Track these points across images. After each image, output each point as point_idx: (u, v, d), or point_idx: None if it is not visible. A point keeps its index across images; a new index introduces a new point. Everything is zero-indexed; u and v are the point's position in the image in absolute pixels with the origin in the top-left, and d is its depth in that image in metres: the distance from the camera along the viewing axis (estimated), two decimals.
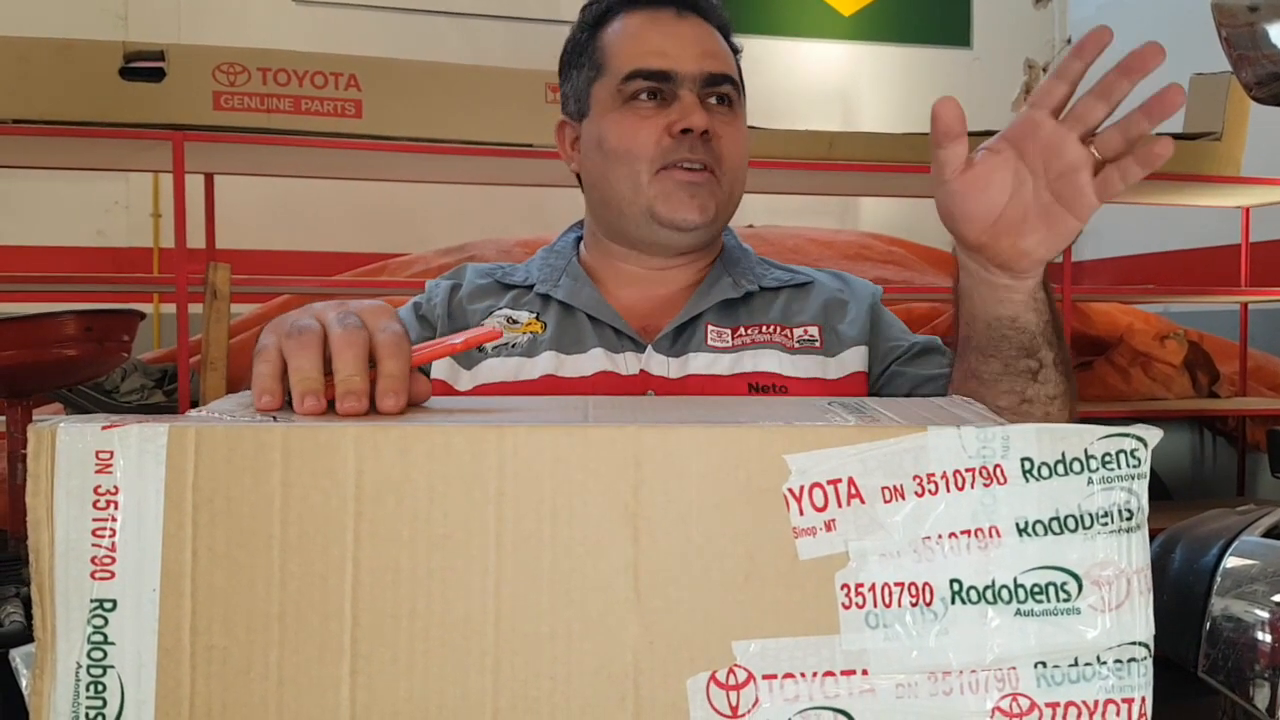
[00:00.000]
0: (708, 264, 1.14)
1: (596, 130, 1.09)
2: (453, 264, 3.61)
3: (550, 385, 1.04)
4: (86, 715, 0.49)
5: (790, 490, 0.51)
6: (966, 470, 0.51)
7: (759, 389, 1.05)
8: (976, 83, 5.26)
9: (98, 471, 0.50)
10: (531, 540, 0.51)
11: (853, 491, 0.51)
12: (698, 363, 1.06)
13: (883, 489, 0.51)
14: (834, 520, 0.51)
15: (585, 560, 0.51)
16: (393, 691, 0.50)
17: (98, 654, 0.49)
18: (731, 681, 0.51)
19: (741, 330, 1.09)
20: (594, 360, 1.06)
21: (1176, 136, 3.12)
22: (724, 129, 1.06)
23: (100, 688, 0.49)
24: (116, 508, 0.49)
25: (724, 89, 1.07)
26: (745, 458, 0.52)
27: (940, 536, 0.51)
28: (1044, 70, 5.22)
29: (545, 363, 1.06)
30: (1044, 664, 0.51)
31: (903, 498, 0.51)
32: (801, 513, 0.51)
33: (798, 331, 1.10)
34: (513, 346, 1.07)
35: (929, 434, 0.51)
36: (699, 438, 0.52)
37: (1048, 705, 0.51)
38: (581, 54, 1.12)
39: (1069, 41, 5.40)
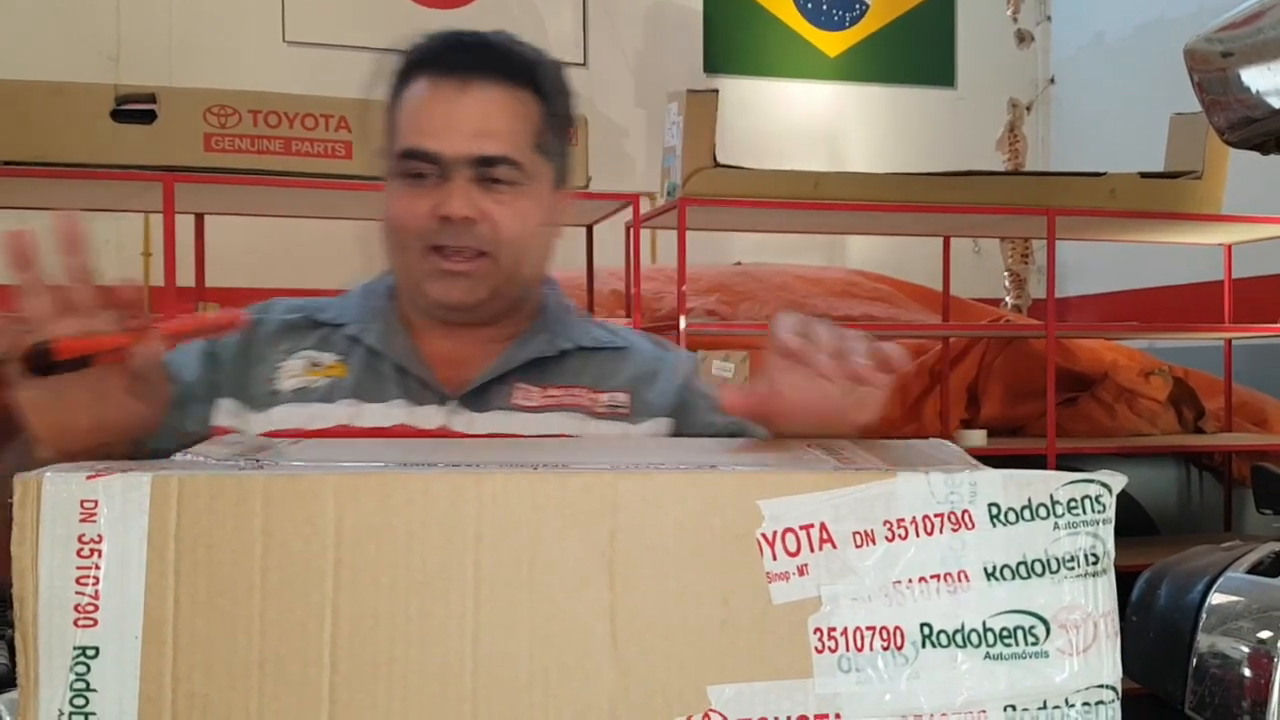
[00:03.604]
0: (524, 318, 1.11)
1: (386, 198, 1.05)
2: None
3: (344, 435, 1.00)
4: None
5: (764, 535, 0.52)
6: (935, 515, 0.52)
7: None
8: (961, 122, 5.32)
9: (82, 520, 0.50)
10: (509, 586, 0.52)
11: (825, 536, 0.52)
12: (500, 422, 1.04)
13: (854, 534, 0.52)
14: (807, 565, 0.52)
15: (563, 606, 0.52)
16: None
17: (80, 701, 0.50)
18: None
19: (550, 391, 1.07)
20: (394, 412, 1.03)
21: (1158, 176, 3.16)
22: (498, 210, 1.01)
23: None
24: (100, 556, 0.50)
25: (498, 171, 1.01)
26: (720, 504, 0.53)
27: (910, 581, 0.52)
28: (1027, 109, 5.28)
29: (341, 411, 1.02)
30: (1013, 707, 0.52)
31: (873, 542, 0.52)
32: (775, 558, 0.52)
33: (604, 397, 1.08)
34: (310, 391, 1.03)
35: (898, 480, 0.53)
36: (675, 484, 0.53)
37: None
38: (390, 114, 1.07)
39: (1052, 81, 5.47)
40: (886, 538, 0.52)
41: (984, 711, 0.52)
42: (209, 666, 0.50)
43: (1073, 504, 0.53)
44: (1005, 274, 5.16)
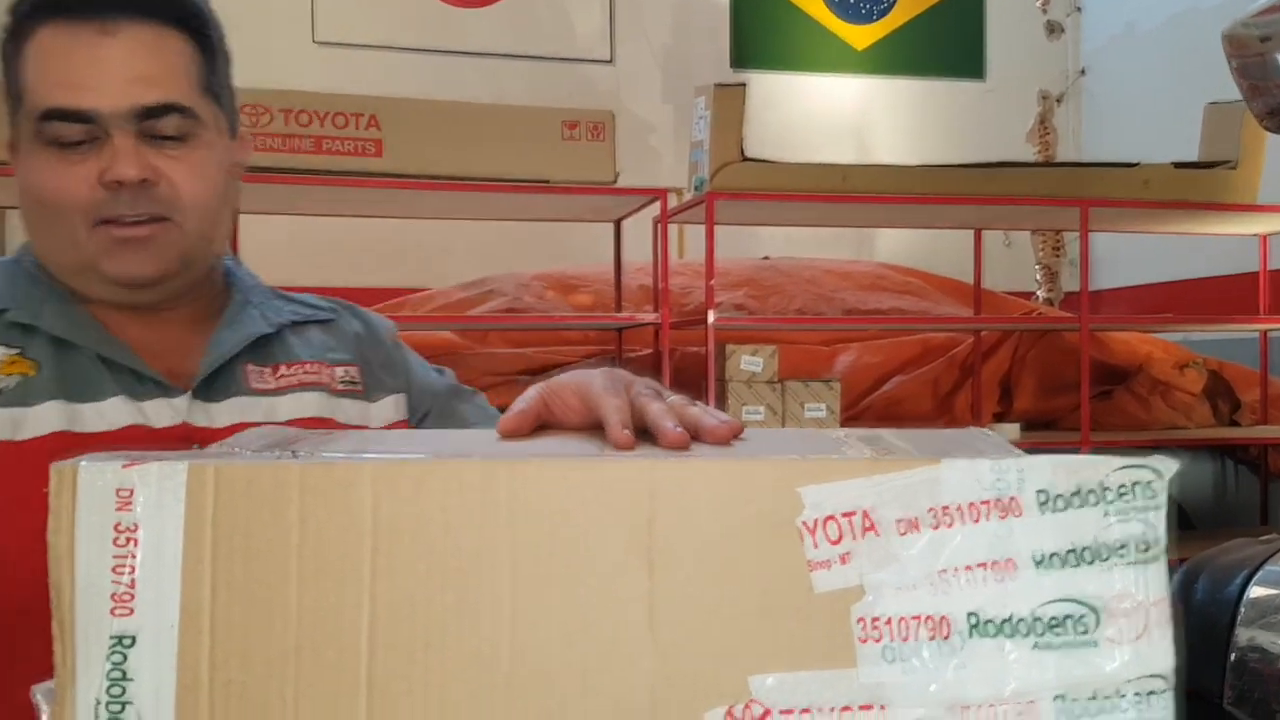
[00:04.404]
0: (219, 294, 0.98)
1: (24, 172, 0.90)
2: (473, 299, 3.64)
3: (66, 443, 0.85)
4: None
5: (805, 523, 0.51)
6: (982, 502, 0.51)
7: None
8: (990, 114, 5.27)
9: (118, 509, 0.50)
10: (546, 574, 0.52)
11: (868, 524, 0.51)
12: (243, 410, 0.93)
13: (898, 521, 0.51)
14: (849, 553, 0.51)
15: (600, 594, 0.52)
16: None
17: (116, 690, 0.50)
18: (748, 716, 0.51)
19: (281, 371, 0.96)
20: (117, 412, 0.88)
21: (1192, 166, 3.12)
22: (174, 169, 0.88)
23: None
24: (136, 544, 0.50)
25: (166, 123, 0.88)
26: (760, 491, 0.52)
27: (957, 569, 0.51)
28: (1058, 101, 5.23)
29: (51, 415, 0.87)
30: (1063, 697, 0.51)
31: (918, 530, 0.51)
32: (816, 545, 0.51)
33: (339, 371, 0.99)
34: None
35: (943, 466, 0.51)
36: (713, 471, 0.53)
37: None
38: (7, 74, 0.92)
39: (1082, 72, 5.42)
40: (932, 525, 0.51)
41: (1033, 702, 0.51)
42: (246, 654, 0.50)
43: (1123, 490, 0.51)
44: (1037, 267, 5.11)
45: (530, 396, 0.69)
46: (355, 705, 0.50)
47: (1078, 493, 0.51)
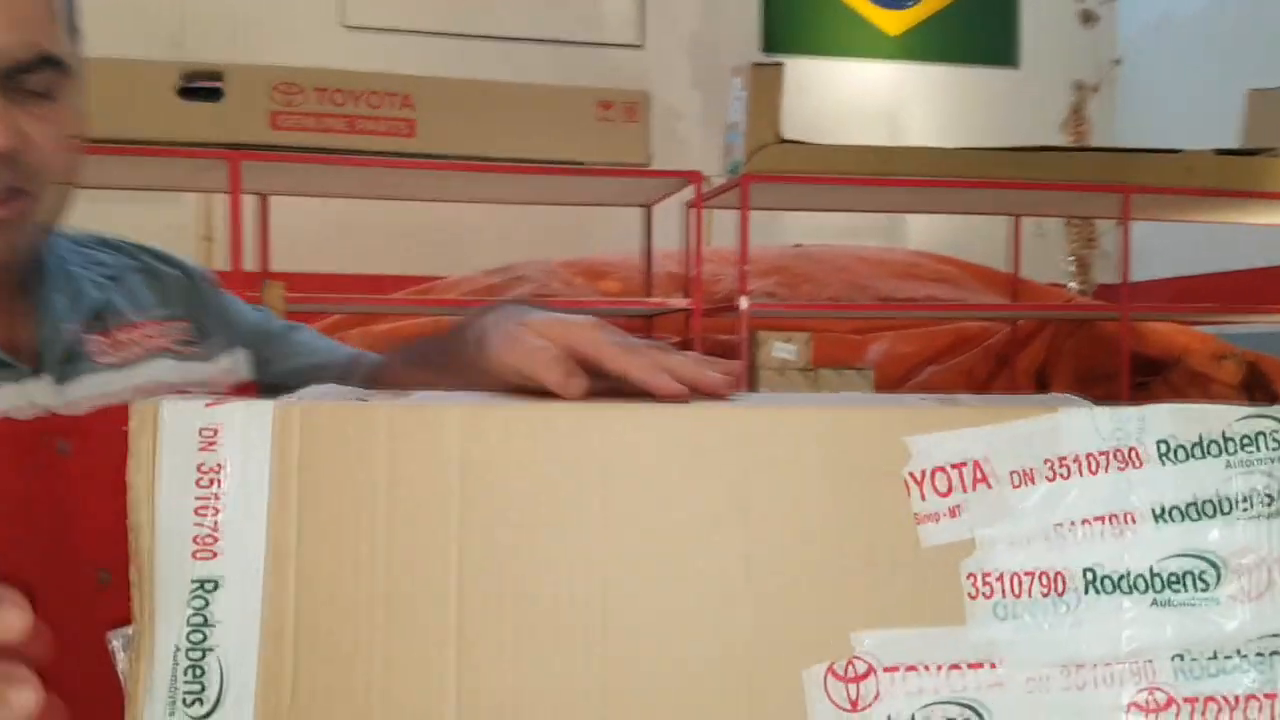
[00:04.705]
0: (23, 254, 0.80)
1: None
2: (499, 285, 3.63)
3: None
4: (184, 700, 0.48)
5: (912, 474, 0.49)
6: (1100, 453, 0.49)
7: None
8: (1024, 103, 5.22)
9: (202, 449, 0.48)
10: (637, 525, 0.50)
11: (979, 475, 0.49)
12: (101, 385, 0.81)
13: (1011, 473, 0.49)
14: (959, 506, 0.49)
15: (694, 545, 0.50)
16: (500, 677, 0.48)
17: (197, 636, 0.48)
18: (850, 673, 0.49)
19: (118, 337, 0.84)
20: None
21: (1234, 153, 3.07)
22: (41, 131, 0.74)
23: (199, 671, 0.48)
24: (220, 486, 0.48)
25: (37, 79, 0.73)
26: (863, 440, 0.50)
27: (1073, 523, 0.49)
28: (1093, 91, 5.17)
29: None
30: (1182, 656, 0.49)
31: (1033, 482, 0.49)
32: (924, 498, 0.49)
33: (172, 329, 0.87)
34: None
35: (1060, 415, 0.49)
36: (812, 419, 0.50)
37: (1186, 700, 0.49)
38: None
39: (1117, 61, 5.35)
40: (1048, 477, 0.49)
41: (1150, 661, 0.49)
42: (332, 601, 0.48)
43: (1246, 441, 0.49)
44: (1070, 258, 5.07)
45: (538, 345, 0.60)
46: (444, 654, 0.48)
47: (1199, 443, 0.49)
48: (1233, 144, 3.19)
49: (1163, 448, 0.49)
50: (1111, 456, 0.49)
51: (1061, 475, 0.49)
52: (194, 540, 0.48)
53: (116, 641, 0.49)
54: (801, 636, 0.49)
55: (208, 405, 0.49)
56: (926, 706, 0.49)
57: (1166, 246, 4.62)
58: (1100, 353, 3.52)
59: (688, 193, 2.98)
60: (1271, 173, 2.98)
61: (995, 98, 5.26)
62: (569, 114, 2.69)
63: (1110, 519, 0.49)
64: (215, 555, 0.48)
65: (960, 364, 3.64)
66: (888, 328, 3.62)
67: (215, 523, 0.48)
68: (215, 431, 0.48)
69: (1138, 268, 4.80)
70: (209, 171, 2.58)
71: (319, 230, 4.22)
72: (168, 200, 4.35)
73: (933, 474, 0.49)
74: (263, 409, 0.49)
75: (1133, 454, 0.49)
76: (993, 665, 0.49)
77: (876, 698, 0.48)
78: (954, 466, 0.49)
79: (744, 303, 2.86)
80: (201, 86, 2.44)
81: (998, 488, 0.49)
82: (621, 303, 3.21)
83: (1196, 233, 4.03)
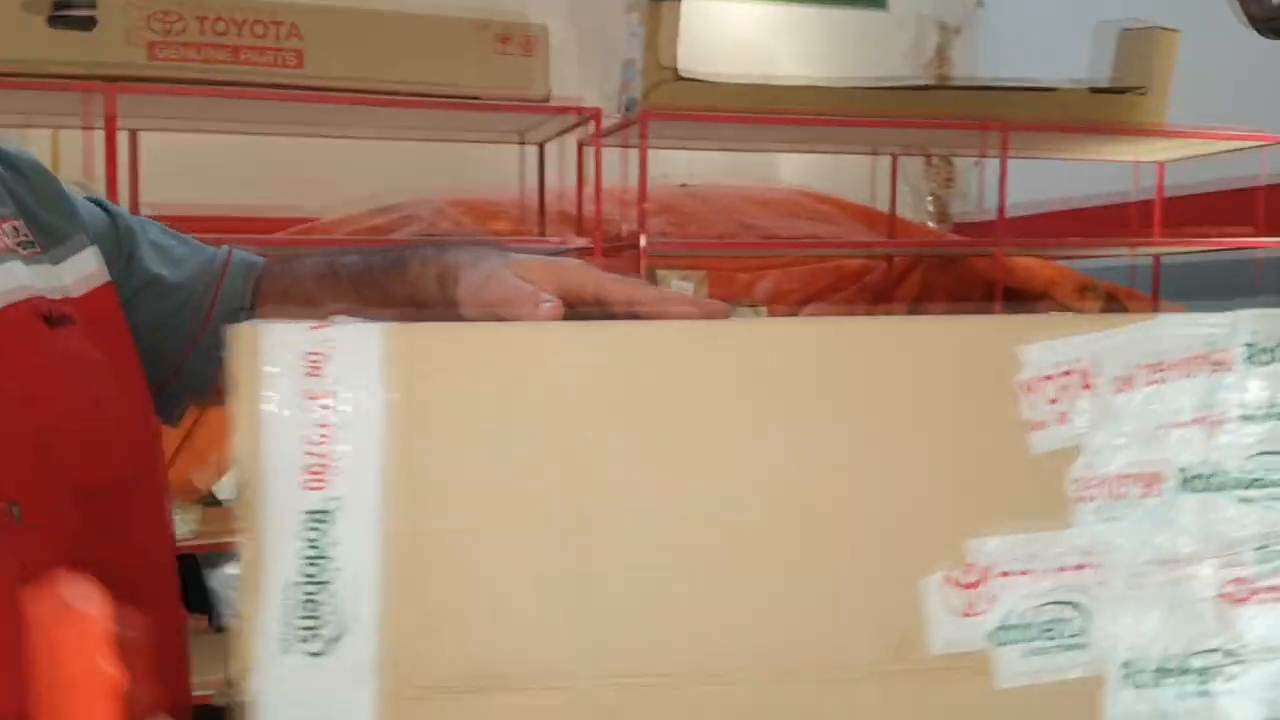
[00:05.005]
0: None
1: None
2: (385, 225, 3.52)
3: None
4: (300, 638, 0.46)
5: (1022, 383, 0.50)
6: (1194, 357, 0.51)
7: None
8: (892, 44, 5.32)
9: (308, 374, 0.45)
10: (754, 441, 0.49)
11: (1084, 382, 0.50)
12: None
13: (1114, 379, 0.51)
14: (1066, 412, 0.50)
15: (809, 457, 0.50)
16: (624, 595, 0.48)
17: (312, 569, 0.45)
18: (966, 580, 0.50)
19: None
20: None
21: (1108, 91, 3.20)
22: None
23: (315, 606, 0.46)
24: (331, 412, 0.45)
25: None
26: (975, 349, 0.51)
27: (1170, 426, 0.51)
28: (956, 32, 5.31)
29: None
30: (1264, 547, 0.52)
31: (1133, 388, 0.51)
32: (1033, 405, 0.50)
33: (5, 228, 0.73)
34: None
35: (1158, 321, 0.51)
36: (925, 329, 0.51)
37: (1270, 589, 0.52)
38: None
39: (980, 4, 5.50)
40: (1146, 382, 0.51)
41: (1236, 553, 0.51)
42: (453, 530, 0.47)
43: None
44: (929, 198, 5.22)
45: (525, 287, 0.59)
46: (566, 578, 0.47)
47: None
48: (1089, 81, 3.33)
49: (1249, 350, 0.51)
50: (1205, 360, 0.51)
51: (1159, 380, 0.51)
52: (305, 470, 0.46)
53: (217, 583, 0.47)
54: (916, 543, 0.50)
55: (312, 328, 0.46)
56: (1037, 608, 0.50)
57: (1018, 182, 4.80)
58: (972, 288, 3.66)
59: (576, 131, 2.95)
60: (1139, 109, 3.12)
61: (865, 39, 5.33)
62: (466, 46, 2.61)
63: (1203, 421, 0.51)
64: (327, 485, 0.46)
65: (841, 299, 3.73)
66: (773, 266, 3.67)
67: (327, 451, 0.46)
68: (321, 355, 0.46)
69: (991, 203, 4.99)
70: (75, 104, 2.41)
71: (189, 167, 4.01)
72: (12, 137, 4.05)
73: (1042, 382, 0.50)
74: (370, 330, 0.46)
75: (1224, 357, 0.51)
76: (1096, 565, 0.51)
77: (991, 602, 0.50)
78: (1063, 374, 0.50)
79: (643, 241, 2.85)
80: (74, 15, 2.27)
81: (1101, 393, 0.51)
82: (516, 242, 3.16)
83: (1045, 167, 4.17)
